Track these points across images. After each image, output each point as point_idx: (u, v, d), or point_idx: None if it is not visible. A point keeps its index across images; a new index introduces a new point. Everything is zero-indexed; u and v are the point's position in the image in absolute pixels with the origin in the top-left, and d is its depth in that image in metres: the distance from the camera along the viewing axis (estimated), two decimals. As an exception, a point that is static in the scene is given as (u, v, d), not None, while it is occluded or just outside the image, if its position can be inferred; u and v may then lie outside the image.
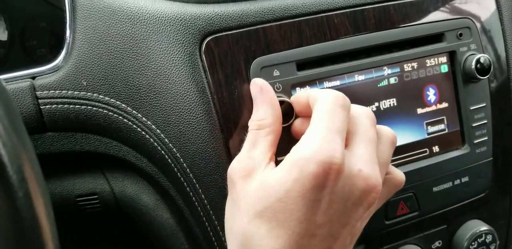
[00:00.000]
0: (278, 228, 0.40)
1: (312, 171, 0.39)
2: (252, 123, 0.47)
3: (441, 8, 0.63)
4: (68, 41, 0.53)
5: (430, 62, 0.63)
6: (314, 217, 0.40)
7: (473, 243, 0.64)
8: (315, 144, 0.40)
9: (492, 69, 0.64)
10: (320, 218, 0.40)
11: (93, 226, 0.69)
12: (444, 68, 0.64)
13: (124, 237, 0.70)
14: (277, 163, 0.44)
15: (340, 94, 0.45)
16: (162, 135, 0.52)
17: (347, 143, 0.44)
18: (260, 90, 0.48)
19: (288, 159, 0.41)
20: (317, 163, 0.39)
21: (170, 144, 0.52)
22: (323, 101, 0.44)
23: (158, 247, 0.61)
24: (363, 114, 0.46)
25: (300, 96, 0.49)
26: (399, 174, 0.50)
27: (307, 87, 0.56)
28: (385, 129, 0.49)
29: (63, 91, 0.53)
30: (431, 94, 0.63)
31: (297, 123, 0.49)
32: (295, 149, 0.41)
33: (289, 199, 0.40)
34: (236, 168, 0.44)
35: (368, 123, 0.45)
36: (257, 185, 0.42)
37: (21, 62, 0.67)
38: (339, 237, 0.41)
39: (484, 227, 0.66)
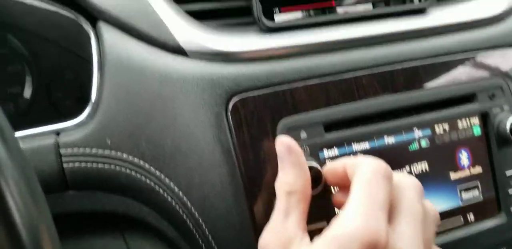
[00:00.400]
0: None
1: None
2: (281, 186, 0.43)
3: (472, 68, 0.61)
4: (94, 98, 0.52)
5: (462, 123, 0.61)
6: None
7: None
8: (358, 221, 0.36)
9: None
10: None
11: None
12: (477, 130, 0.61)
13: None
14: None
15: (382, 163, 0.41)
16: (184, 198, 0.50)
17: (390, 218, 0.39)
18: (289, 150, 0.44)
19: (327, 236, 0.37)
20: (361, 243, 0.35)
21: (192, 209, 0.50)
22: (363, 171, 0.40)
23: None
24: (409, 185, 0.42)
25: (336, 166, 0.46)
26: None
27: (335, 149, 0.54)
28: (429, 205, 0.44)
29: (87, 149, 0.52)
30: (464, 157, 0.60)
31: (338, 196, 0.46)
32: (335, 226, 0.37)
33: None
34: (270, 240, 0.40)
35: (415, 197, 0.41)
36: None
37: (46, 114, 0.68)
38: None
39: None
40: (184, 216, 0.50)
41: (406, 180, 0.43)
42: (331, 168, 0.47)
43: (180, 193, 0.50)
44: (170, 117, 0.50)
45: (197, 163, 0.50)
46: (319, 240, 0.37)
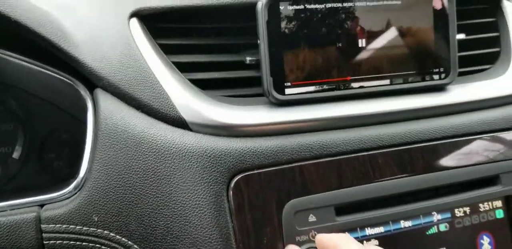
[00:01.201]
0: None
1: None
2: None
3: (495, 148, 0.57)
4: (84, 172, 0.47)
5: (483, 207, 0.56)
6: None
7: None
8: None
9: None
10: None
11: None
12: (500, 214, 0.56)
13: None
14: None
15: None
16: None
17: None
18: None
19: None
20: None
21: None
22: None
23: None
24: None
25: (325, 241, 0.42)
26: None
27: (347, 233, 0.48)
28: None
29: (71, 226, 0.46)
30: (485, 243, 0.55)
31: None
32: None
33: None
34: None
35: None
36: None
37: (37, 175, 0.63)
38: None
39: None
40: None
41: None
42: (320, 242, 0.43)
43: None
44: (164, 195, 0.45)
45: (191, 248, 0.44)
46: None
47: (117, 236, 0.45)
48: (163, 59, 0.49)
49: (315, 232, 0.46)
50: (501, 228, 0.56)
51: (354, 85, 0.50)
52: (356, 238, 0.48)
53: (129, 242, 0.45)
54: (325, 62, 0.49)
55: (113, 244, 0.46)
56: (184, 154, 0.45)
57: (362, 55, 0.50)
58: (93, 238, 0.46)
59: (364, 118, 0.51)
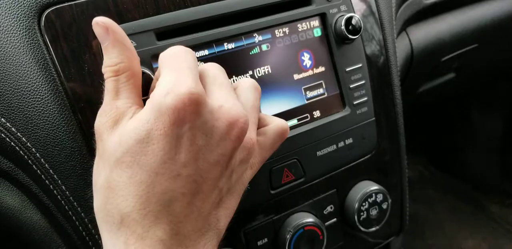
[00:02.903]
0: (140, 173, 0.37)
1: (170, 104, 0.36)
2: (107, 70, 0.41)
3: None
4: None
5: (302, 26, 0.60)
6: (178, 155, 0.37)
7: (364, 204, 0.63)
8: (170, 81, 0.38)
9: (363, 29, 0.62)
10: (184, 156, 0.37)
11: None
12: (317, 32, 0.62)
13: None
14: None
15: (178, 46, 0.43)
16: (7, 124, 0.45)
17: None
18: (107, 30, 0.41)
19: (148, 102, 0.38)
20: (175, 96, 0.37)
21: (18, 133, 0.45)
22: (165, 51, 0.43)
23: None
24: (211, 66, 0.45)
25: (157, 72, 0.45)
26: (280, 122, 0.48)
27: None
28: (242, 79, 0.49)
29: None
30: (306, 59, 0.61)
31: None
32: (153, 92, 0.39)
33: (150, 139, 0.37)
34: (101, 121, 0.40)
35: (216, 72, 0.44)
36: (120, 130, 0.38)
37: None
38: (208, 177, 0.39)
39: (374, 187, 0.65)
40: (12, 143, 0.45)
41: (207, 65, 0.45)
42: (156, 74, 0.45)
43: (2, 119, 0.44)
44: (-28, 36, 0.44)
45: (13, 85, 0.44)
46: (146, 106, 0.39)
47: None
48: None
49: (138, 56, 0.48)
50: (319, 45, 0.62)
51: None
52: (182, 61, 0.52)
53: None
54: None
55: None
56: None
57: None
58: None
59: None
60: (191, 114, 0.37)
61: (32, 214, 0.51)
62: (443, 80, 1.07)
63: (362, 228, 0.64)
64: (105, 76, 0.41)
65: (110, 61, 0.41)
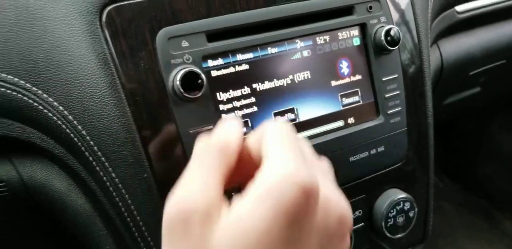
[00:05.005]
0: None
1: (293, 195, 0.28)
2: (214, 142, 0.34)
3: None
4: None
5: (342, 35, 0.62)
6: None
7: (392, 211, 0.64)
8: (290, 166, 0.30)
9: (401, 41, 0.64)
10: None
11: (6, 217, 0.63)
12: (356, 41, 0.63)
13: (40, 227, 0.64)
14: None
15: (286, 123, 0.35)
16: (65, 112, 0.47)
17: None
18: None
19: (257, 188, 0.29)
20: (298, 186, 0.28)
21: (74, 121, 0.47)
22: (273, 127, 0.34)
23: (76, 236, 0.56)
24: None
25: (251, 141, 0.36)
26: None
27: (220, 59, 0.53)
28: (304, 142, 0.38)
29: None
30: (344, 66, 0.62)
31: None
32: (263, 175, 0.30)
33: (263, 244, 0.28)
34: (190, 210, 0.29)
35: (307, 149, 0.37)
36: (227, 227, 0.29)
37: None
38: None
39: (402, 195, 0.66)
40: (68, 130, 0.47)
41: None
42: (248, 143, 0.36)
43: (60, 107, 0.47)
44: (39, 28, 0.46)
45: (74, 76, 0.46)
46: (248, 195, 0.29)
47: (2, 74, 0.47)
48: None
49: (189, 56, 0.50)
50: (358, 53, 0.63)
51: None
52: (228, 63, 0.53)
53: (15, 79, 0.47)
54: None
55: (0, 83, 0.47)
56: (50, -14, 0.46)
57: None
58: (-24, 79, 0.47)
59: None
60: (313, 207, 0.30)
61: (77, 198, 0.53)
62: (468, 94, 1.08)
63: (388, 234, 0.65)
64: (206, 147, 0.34)
65: (224, 134, 0.35)
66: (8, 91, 0.47)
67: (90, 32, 0.46)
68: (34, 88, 0.47)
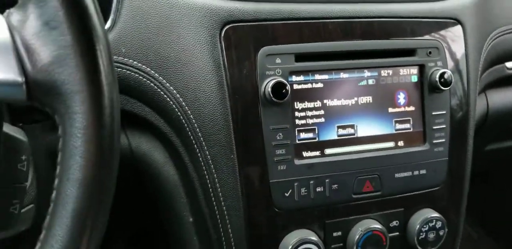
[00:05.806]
0: None
1: None
2: None
3: (417, 29, 0.74)
4: (112, 15, 0.62)
5: (403, 71, 0.74)
6: None
7: (424, 226, 0.73)
8: None
9: (452, 83, 0.75)
10: None
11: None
12: (414, 78, 0.75)
13: (130, 189, 0.77)
14: None
15: None
16: (180, 99, 0.61)
17: None
18: None
19: None
20: None
21: (186, 107, 0.61)
22: None
23: (160, 199, 0.69)
24: None
25: None
26: None
27: (302, 76, 0.66)
28: None
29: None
30: (401, 97, 0.74)
31: None
32: None
33: None
34: None
35: None
36: None
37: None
38: None
39: (436, 214, 0.75)
40: (179, 113, 0.61)
41: None
42: None
43: (178, 95, 0.61)
44: (174, 34, 0.61)
45: (194, 73, 0.61)
46: None
47: (139, 64, 0.62)
48: None
49: (280, 70, 0.64)
50: (414, 89, 0.75)
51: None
52: (307, 80, 0.67)
53: (148, 69, 0.62)
54: None
55: (135, 70, 0.62)
56: (190, 5, 0.61)
57: None
58: (120, 65, 0.62)
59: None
60: None
61: (170, 169, 0.66)
62: (510, 144, 1.15)
63: (418, 247, 0.73)
64: None
65: None
66: (140, 77, 0.62)
67: (211, 43, 0.61)
68: (160, 78, 0.61)
